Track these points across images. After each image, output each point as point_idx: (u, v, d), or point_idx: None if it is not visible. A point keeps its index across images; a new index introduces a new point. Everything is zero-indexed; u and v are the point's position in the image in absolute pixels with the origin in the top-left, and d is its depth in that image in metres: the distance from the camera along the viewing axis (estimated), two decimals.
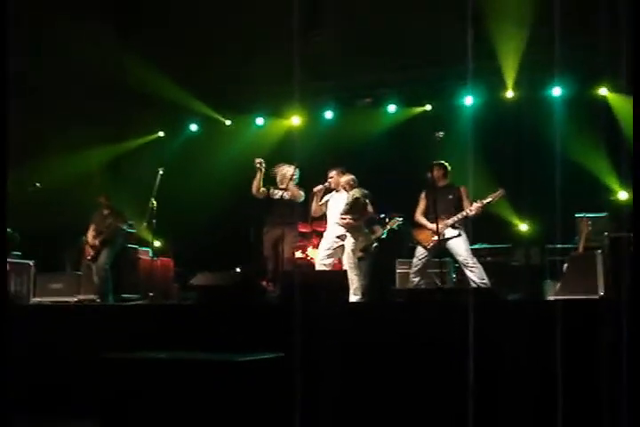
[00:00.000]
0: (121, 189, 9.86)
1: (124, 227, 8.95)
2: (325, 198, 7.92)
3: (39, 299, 8.69)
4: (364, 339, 5.43)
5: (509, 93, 9.98)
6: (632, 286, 4.60)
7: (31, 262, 8.92)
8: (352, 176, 7.80)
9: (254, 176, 8.05)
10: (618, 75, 9.13)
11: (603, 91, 9.64)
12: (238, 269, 9.49)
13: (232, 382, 4.08)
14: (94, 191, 9.37)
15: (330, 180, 7.91)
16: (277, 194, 8.06)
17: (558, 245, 7.80)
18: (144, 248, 9.71)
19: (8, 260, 8.66)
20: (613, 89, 9.49)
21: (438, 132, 6.77)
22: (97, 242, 8.82)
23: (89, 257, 8.86)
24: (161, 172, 8.41)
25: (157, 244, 9.55)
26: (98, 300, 8.61)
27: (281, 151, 9.90)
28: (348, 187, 7.73)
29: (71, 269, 9.68)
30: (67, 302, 8.60)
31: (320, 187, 7.85)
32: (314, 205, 7.87)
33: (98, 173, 11.07)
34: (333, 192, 7.95)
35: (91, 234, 8.92)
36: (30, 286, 8.79)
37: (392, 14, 9.34)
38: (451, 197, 7.34)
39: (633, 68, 4.39)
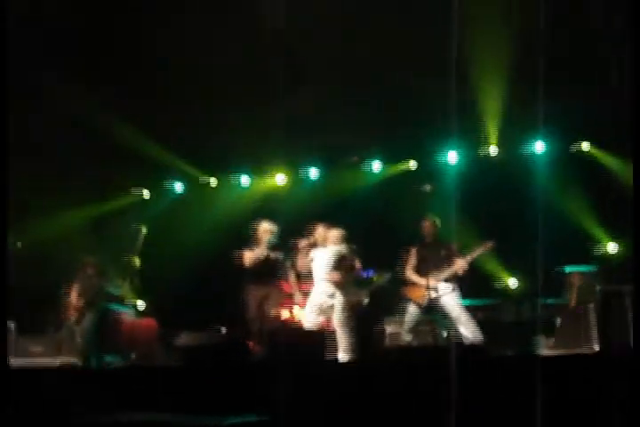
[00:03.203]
0: (104, 248, 9.73)
1: (110, 288, 8.79)
2: (311, 255, 7.80)
3: (20, 361, 8.44)
4: (355, 400, 5.29)
5: (493, 149, 10.05)
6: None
7: (12, 325, 8.71)
8: (340, 231, 7.70)
9: (252, 245, 7.92)
10: (600, 130, 9.27)
11: (585, 146, 9.71)
12: (224, 330, 9.30)
13: None
14: (77, 251, 9.23)
15: (315, 234, 7.80)
16: (259, 253, 7.92)
17: (549, 300, 7.72)
18: (126, 308, 9.52)
19: None
20: (596, 144, 9.57)
21: (426, 185, 6.75)
22: (81, 303, 8.64)
23: (72, 318, 8.66)
24: (144, 230, 8.32)
25: (140, 304, 9.39)
26: (79, 363, 8.39)
27: (265, 210, 9.84)
28: (334, 241, 7.62)
29: (53, 330, 9.45)
30: (49, 365, 8.38)
31: (305, 242, 7.74)
32: (300, 261, 7.75)
33: (80, 233, 10.93)
34: (319, 248, 7.82)
35: (74, 295, 8.73)
36: (11, 348, 8.55)
37: (374, 71, 9.44)
38: (443, 252, 7.32)
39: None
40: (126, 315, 9.44)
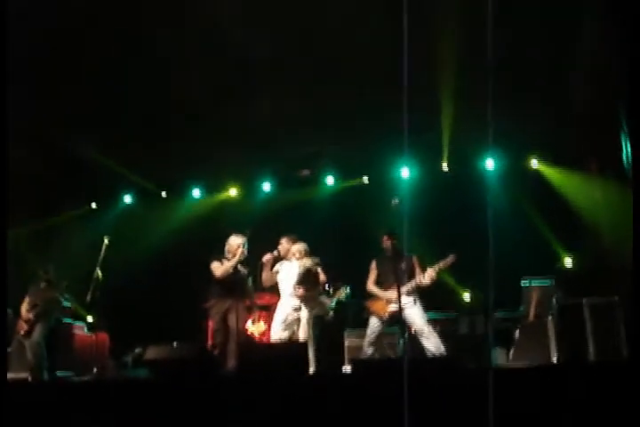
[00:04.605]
0: (60, 261, 9.48)
1: (61, 300, 8.60)
2: (276, 268, 7.79)
3: None
4: (325, 412, 5.28)
5: (446, 165, 10.19)
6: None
7: None
8: (303, 244, 7.70)
9: (221, 257, 7.75)
10: (546, 147, 9.53)
11: (534, 162, 9.94)
12: (175, 344, 9.16)
13: None
14: (31, 265, 9.00)
15: (279, 248, 7.79)
16: (230, 266, 7.76)
17: (507, 314, 7.87)
18: (78, 323, 9.33)
19: None
20: (543, 160, 9.81)
21: (394, 199, 6.78)
22: (31, 316, 8.42)
23: (22, 332, 8.43)
24: (106, 241, 8.15)
25: (90, 319, 9.23)
26: (30, 378, 8.17)
27: (223, 223, 9.79)
28: (299, 255, 7.62)
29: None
30: None
31: (269, 256, 7.70)
32: (264, 275, 7.70)
33: (29, 249, 10.61)
34: (284, 261, 7.82)
35: (25, 307, 8.50)
36: None
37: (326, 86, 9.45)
38: (404, 265, 7.35)
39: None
40: (79, 329, 9.27)
